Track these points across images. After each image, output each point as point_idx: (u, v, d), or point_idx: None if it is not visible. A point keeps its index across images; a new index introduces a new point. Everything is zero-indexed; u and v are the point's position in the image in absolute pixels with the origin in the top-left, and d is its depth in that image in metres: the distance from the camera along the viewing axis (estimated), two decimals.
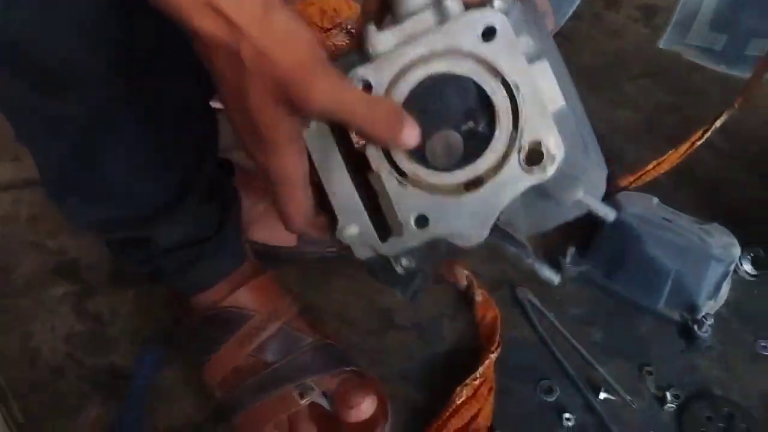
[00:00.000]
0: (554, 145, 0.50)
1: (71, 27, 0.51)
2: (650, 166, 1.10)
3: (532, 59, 0.51)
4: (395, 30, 0.51)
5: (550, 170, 0.50)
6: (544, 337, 0.86)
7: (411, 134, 0.47)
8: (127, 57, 0.55)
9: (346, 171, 0.55)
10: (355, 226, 0.57)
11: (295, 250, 0.99)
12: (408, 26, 0.51)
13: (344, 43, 1.25)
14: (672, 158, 1.09)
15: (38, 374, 0.84)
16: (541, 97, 0.51)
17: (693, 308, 0.93)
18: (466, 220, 0.53)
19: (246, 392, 0.75)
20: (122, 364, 0.83)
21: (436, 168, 0.54)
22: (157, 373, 0.82)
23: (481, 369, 0.75)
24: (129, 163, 0.61)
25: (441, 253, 0.56)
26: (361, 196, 0.56)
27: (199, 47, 0.44)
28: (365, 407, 0.75)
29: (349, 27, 1.20)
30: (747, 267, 1.06)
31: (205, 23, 0.43)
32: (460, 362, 0.79)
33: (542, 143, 0.50)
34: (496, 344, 0.79)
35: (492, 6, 0.50)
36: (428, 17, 0.51)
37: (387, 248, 0.56)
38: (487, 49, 0.51)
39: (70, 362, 0.85)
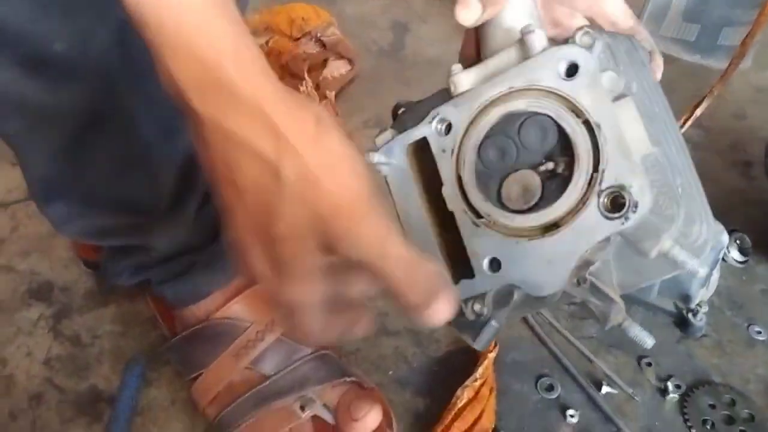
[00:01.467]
0: (638, 191, 0.46)
1: (67, 16, 0.51)
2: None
3: (617, 97, 0.48)
4: (479, 68, 0.51)
5: (632, 218, 0.47)
6: (541, 334, 0.85)
7: (444, 309, 0.42)
8: (124, 51, 0.54)
9: (423, 209, 0.57)
10: None
11: None
12: (491, 64, 0.51)
13: (314, 52, 1.28)
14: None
15: (16, 402, 0.84)
16: (625, 139, 0.48)
17: (686, 297, 0.93)
18: (542, 267, 0.50)
19: (242, 407, 0.73)
20: (104, 387, 0.83)
21: (511, 210, 0.52)
22: (141, 393, 0.83)
23: (480, 370, 0.73)
24: (121, 164, 0.60)
25: (515, 303, 0.53)
26: (435, 235, 0.56)
27: (221, 143, 0.39)
28: (371, 419, 0.73)
29: (318, 35, 1.25)
30: (734, 254, 1.09)
31: (245, 126, 0.37)
32: (458, 365, 0.79)
33: (624, 188, 0.47)
34: (492, 344, 0.75)
35: (574, 41, 0.48)
36: (512, 54, 0.50)
37: (460, 291, 0.54)
38: (568, 86, 0.49)
39: (50, 387, 0.86)
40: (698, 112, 1.02)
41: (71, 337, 0.90)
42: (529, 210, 0.51)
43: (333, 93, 1.28)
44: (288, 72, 1.25)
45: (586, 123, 0.48)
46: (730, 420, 0.83)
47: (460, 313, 0.53)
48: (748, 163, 1.33)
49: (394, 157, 0.55)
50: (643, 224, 0.47)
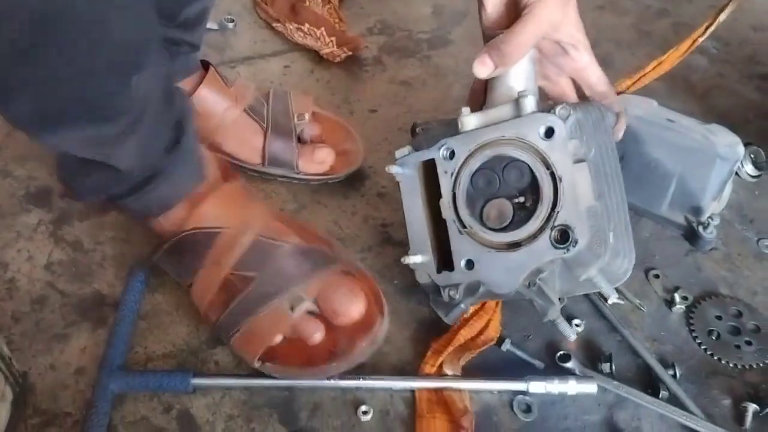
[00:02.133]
0: (579, 232, 0.70)
1: None
2: (650, 67, 1.16)
3: (577, 160, 0.73)
4: (481, 114, 0.77)
5: (572, 251, 0.71)
6: None
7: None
8: None
9: (423, 212, 0.80)
10: (420, 256, 0.81)
11: (259, 168, 1.06)
12: (491, 114, 0.76)
13: (326, 14, 1.42)
14: (672, 58, 1.13)
15: (19, 304, 0.88)
16: (577, 192, 0.71)
17: (697, 210, 1.01)
18: (502, 272, 0.75)
19: (234, 314, 0.77)
20: (108, 293, 0.91)
21: (488, 227, 0.78)
22: (145, 298, 0.89)
23: None
24: (79, 59, 0.61)
25: (480, 294, 0.78)
26: (430, 234, 0.80)
27: None
28: (354, 311, 0.77)
29: None
30: (748, 168, 1.15)
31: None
32: None
33: (570, 228, 0.70)
34: None
35: (554, 112, 0.73)
36: (509, 110, 0.75)
37: (440, 279, 0.80)
38: (544, 145, 0.73)
39: (52, 291, 0.90)
40: (722, 17, 1.07)
41: (72, 242, 0.96)
42: (501, 230, 0.76)
43: None
44: None
45: (552, 174, 0.73)
46: (736, 331, 0.92)
47: (438, 294, 0.80)
48: (765, 76, 1.39)
49: (408, 169, 0.81)
50: (579, 256, 0.72)
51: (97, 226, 0.99)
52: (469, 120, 0.78)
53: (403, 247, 0.88)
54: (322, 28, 1.33)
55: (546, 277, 0.77)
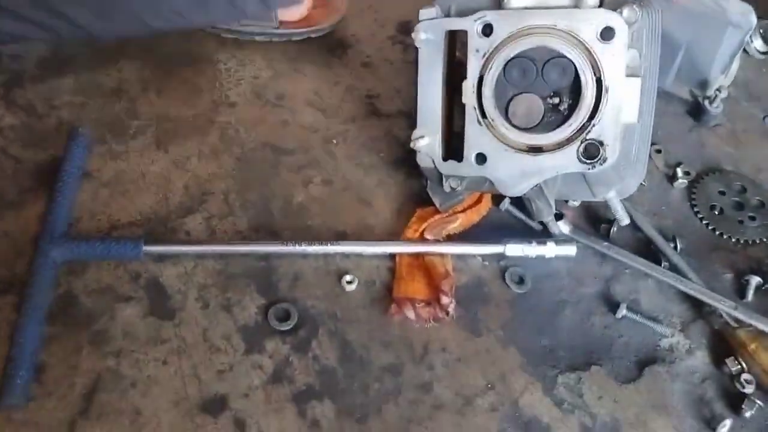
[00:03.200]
0: (610, 151, 0.65)
1: None
2: None
3: (631, 73, 0.64)
4: None
5: (598, 168, 0.66)
6: None
7: None
8: None
9: (441, 89, 0.70)
10: (427, 139, 0.72)
11: (234, 27, 0.98)
12: None
13: None
14: None
15: None
16: (620, 108, 0.64)
17: (704, 84, 1.01)
18: (516, 174, 0.70)
19: None
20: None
21: (511, 124, 0.68)
22: (87, 161, 0.84)
23: None
24: None
25: (482, 188, 0.74)
26: (442, 110, 0.71)
27: None
28: None
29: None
30: (757, 43, 1.10)
31: None
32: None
33: (603, 144, 0.65)
34: None
35: (621, 12, 0.61)
36: None
37: (445, 167, 0.73)
38: (599, 47, 0.63)
39: (4, 157, 0.84)
40: None
41: (25, 106, 0.89)
42: (526, 130, 0.68)
43: None
44: None
45: (599, 81, 0.64)
46: (739, 207, 0.90)
47: (438, 182, 0.75)
48: None
49: (431, 34, 0.69)
50: (602, 174, 0.67)
51: (52, 90, 0.91)
52: None
53: (390, 119, 0.86)
54: None
55: (549, 179, 0.71)
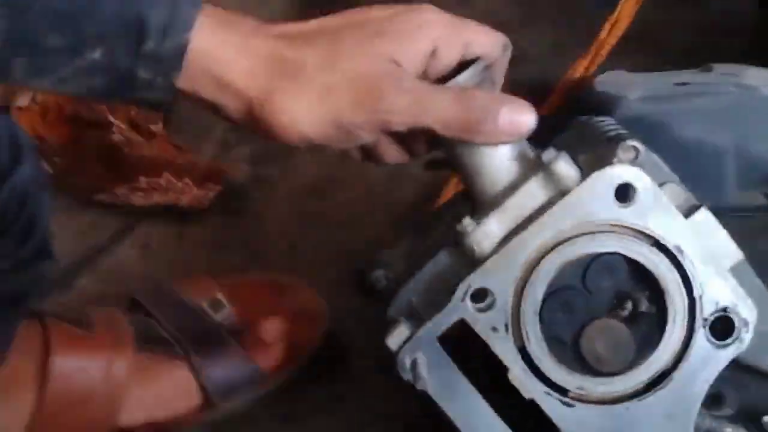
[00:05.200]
0: (744, 308, 0.45)
1: None
2: (604, 33, 0.93)
3: (688, 210, 0.46)
4: (497, 214, 0.46)
5: (746, 337, 0.45)
6: None
7: (527, 115, 0.44)
8: None
9: (484, 406, 0.48)
10: None
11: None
12: (512, 206, 0.46)
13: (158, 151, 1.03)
14: (628, 8, 0.92)
15: None
16: (713, 254, 0.45)
17: None
18: (663, 425, 0.46)
19: None
20: None
21: (603, 373, 0.46)
22: None
23: None
24: None
25: None
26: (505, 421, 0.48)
27: None
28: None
29: None
30: None
31: None
32: None
33: (729, 309, 0.45)
34: None
35: (618, 158, 0.45)
36: (534, 189, 0.46)
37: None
38: (629, 214, 0.45)
39: None
40: None
41: None
42: (626, 367, 0.46)
43: None
44: None
45: (663, 249, 0.45)
46: None
47: None
48: None
49: (424, 356, 0.47)
50: (759, 339, 0.47)
51: None
52: (484, 233, 0.46)
53: None
54: (165, 174, 0.94)
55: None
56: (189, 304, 0.80)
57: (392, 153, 0.50)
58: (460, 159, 0.49)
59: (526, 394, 0.47)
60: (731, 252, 0.46)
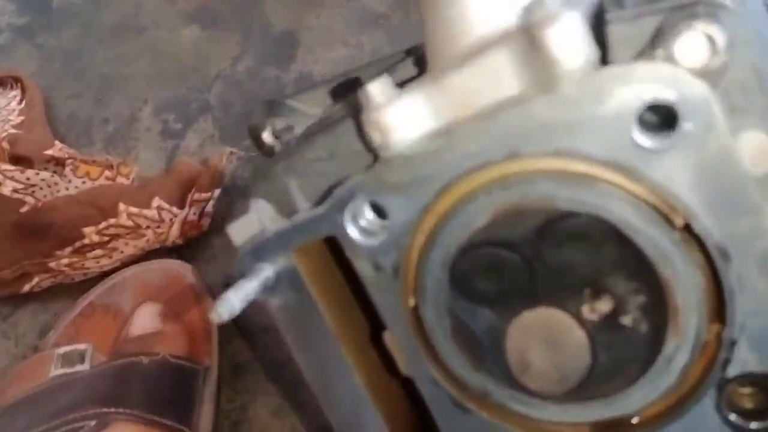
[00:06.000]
0: None
1: None
2: None
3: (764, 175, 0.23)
4: (430, 91, 0.25)
5: None
6: None
7: None
8: None
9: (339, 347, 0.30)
10: None
11: None
12: (458, 85, 0.25)
13: None
14: None
15: None
16: None
17: None
18: None
19: None
20: None
21: (529, 390, 0.27)
22: None
23: None
24: None
25: None
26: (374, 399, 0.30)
27: None
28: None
29: None
30: None
31: None
32: None
33: None
34: None
35: (675, 51, 0.22)
36: (502, 65, 0.24)
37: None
38: (654, 161, 0.22)
39: None
40: None
41: None
42: (572, 394, 0.27)
43: None
44: None
45: (692, 235, 0.23)
46: None
47: None
48: None
49: (272, 267, 0.29)
50: None
51: None
52: (403, 112, 0.25)
53: None
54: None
55: None
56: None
57: None
58: None
59: (405, 370, 0.30)
60: None
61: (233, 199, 0.64)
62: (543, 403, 0.28)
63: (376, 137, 0.27)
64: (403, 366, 0.30)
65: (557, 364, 0.27)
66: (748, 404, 0.25)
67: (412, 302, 0.28)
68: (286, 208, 0.31)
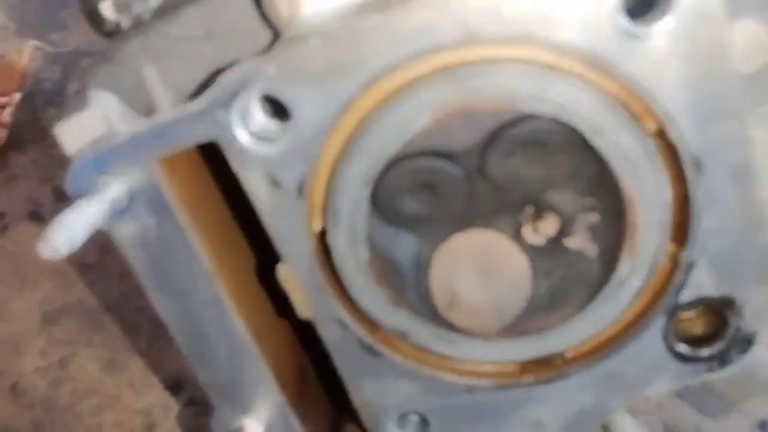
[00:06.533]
0: (755, 313, 0.22)
1: None
2: None
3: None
4: None
5: (737, 361, 0.22)
6: None
7: None
8: None
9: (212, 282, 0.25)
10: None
11: None
12: None
13: None
14: None
15: None
16: (755, 196, 0.21)
17: None
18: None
19: None
20: None
21: (457, 327, 0.23)
22: None
23: None
24: None
25: None
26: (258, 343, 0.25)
27: None
28: None
29: None
30: None
31: None
32: None
33: (734, 306, 0.22)
34: None
35: None
36: None
37: None
38: (636, 55, 0.19)
39: None
40: None
41: None
42: (508, 330, 0.23)
43: None
44: None
45: (664, 143, 0.20)
46: None
47: None
48: None
49: (119, 186, 0.22)
50: (753, 371, 0.24)
51: None
52: None
53: None
54: None
55: None
56: None
57: None
58: None
59: (302, 311, 0.25)
60: None
61: (38, 106, 0.55)
62: (469, 342, 0.24)
63: (281, 8, 0.21)
64: (301, 306, 0.25)
65: (490, 296, 0.24)
66: (698, 330, 0.24)
67: (318, 227, 0.23)
68: (140, 104, 0.24)
